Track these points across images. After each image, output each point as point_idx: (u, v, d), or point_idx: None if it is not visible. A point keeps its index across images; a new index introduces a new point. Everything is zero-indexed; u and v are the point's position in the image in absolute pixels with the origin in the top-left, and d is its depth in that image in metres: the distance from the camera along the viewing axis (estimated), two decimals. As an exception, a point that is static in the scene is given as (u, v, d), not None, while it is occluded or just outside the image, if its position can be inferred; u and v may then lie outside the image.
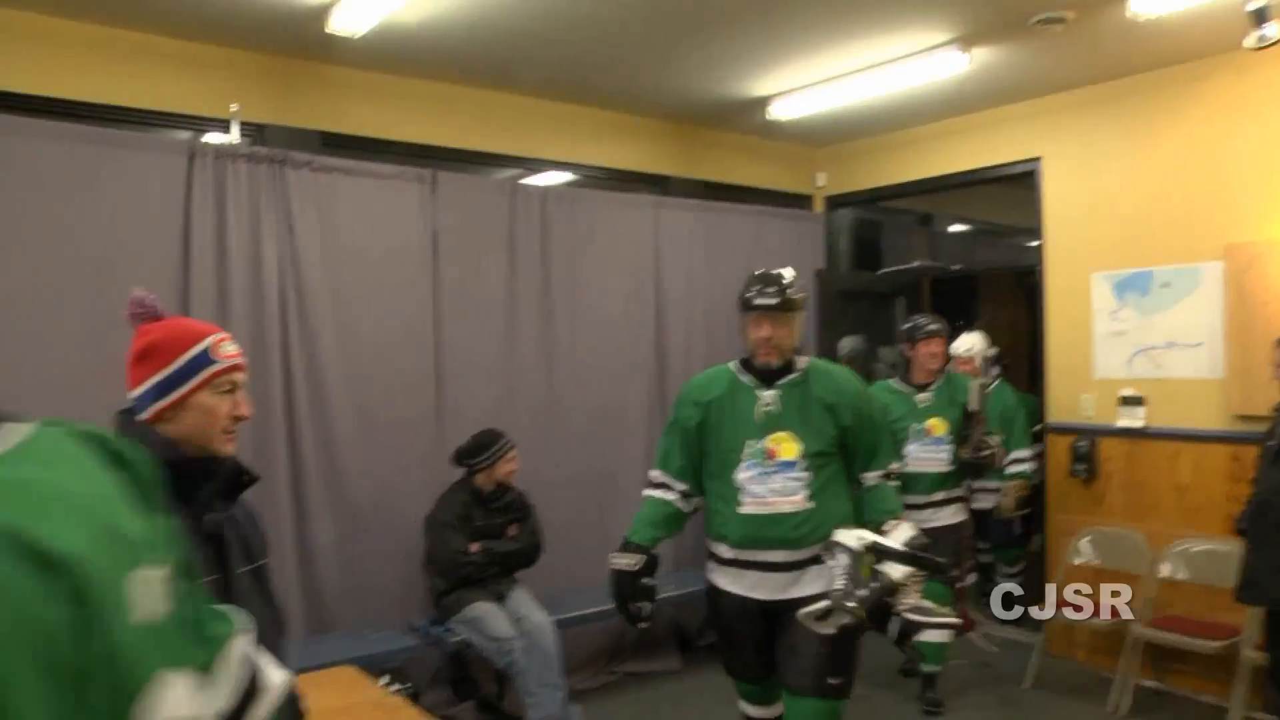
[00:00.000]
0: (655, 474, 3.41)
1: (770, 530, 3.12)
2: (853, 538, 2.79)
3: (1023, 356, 7.33)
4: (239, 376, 1.84)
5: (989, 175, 6.05)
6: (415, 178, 4.80)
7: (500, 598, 4.53)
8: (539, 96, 5.43)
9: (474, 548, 4.51)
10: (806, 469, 3.11)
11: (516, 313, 5.16)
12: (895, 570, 2.72)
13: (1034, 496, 5.94)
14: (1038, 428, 5.77)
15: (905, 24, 4.43)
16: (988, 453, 4.84)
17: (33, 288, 3.81)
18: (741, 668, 3.37)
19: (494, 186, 5.18)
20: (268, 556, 1.92)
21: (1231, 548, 4.51)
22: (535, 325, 5.23)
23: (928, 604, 2.70)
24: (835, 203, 6.87)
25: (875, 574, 2.71)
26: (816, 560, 3.04)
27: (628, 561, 3.19)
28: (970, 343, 5.92)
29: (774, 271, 3.28)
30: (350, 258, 4.60)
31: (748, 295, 3.22)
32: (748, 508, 3.13)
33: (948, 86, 5.25)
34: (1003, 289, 9.09)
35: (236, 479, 1.81)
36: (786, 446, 3.12)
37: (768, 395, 3.18)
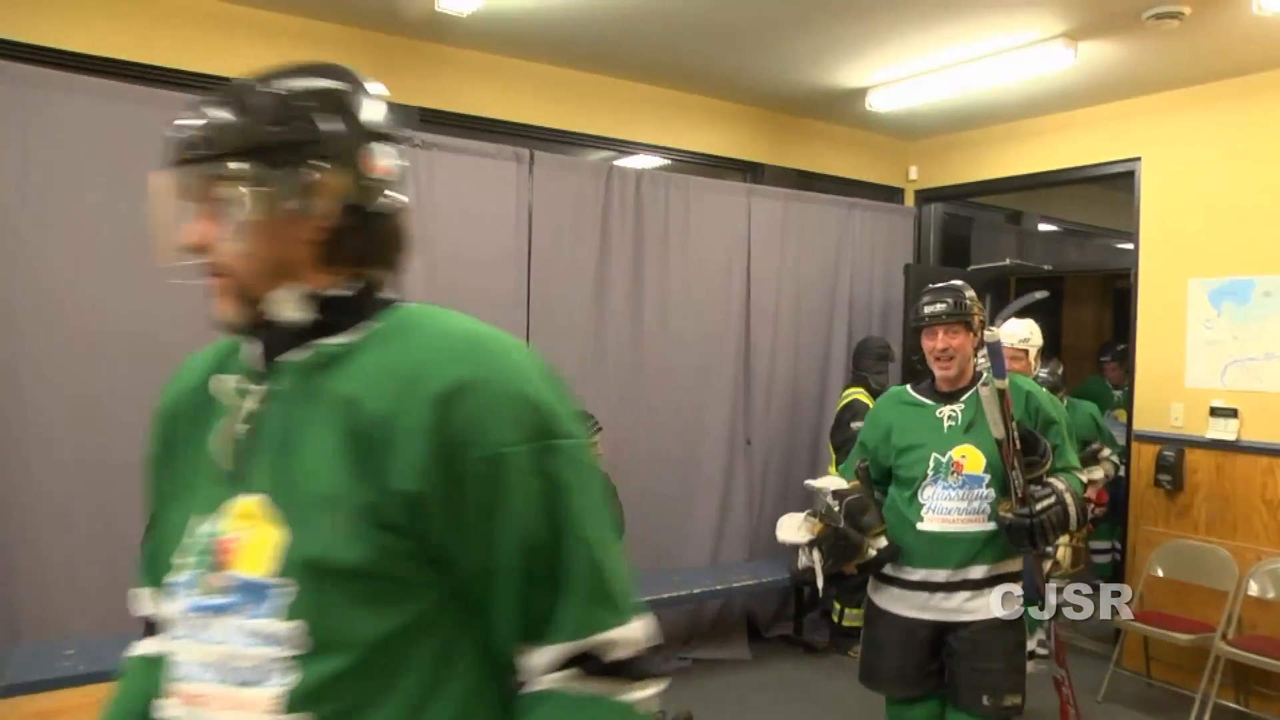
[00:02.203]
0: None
1: None
2: None
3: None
4: None
5: (1085, 174, 5.94)
6: (513, 156, 4.83)
7: (579, 578, 4.55)
8: (636, 80, 5.43)
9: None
10: (298, 610, 1.05)
11: (607, 294, 5.18)
12: None
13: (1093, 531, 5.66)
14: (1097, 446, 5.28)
15: (1013, 16, 4.34)
16: (1045, 504, 2.95)
17: (138, 250, 3.87)
18: None
19: (589, 168, 5.20)
20: None
21: (1326, 569, 4.42)
22: (625, 307, 5.25)
23: None
24: (926, 197, 6.79)
25: None
26: None
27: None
28: (1024, 330, 4.68)
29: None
30: (446, 234, 4.62)
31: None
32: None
33: (1049, 82, 5.14)
34: (1089, 291, 8.95)
35: None
36: (256, 539, 1.10)
37: (233, 385, 1.19)
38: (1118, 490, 5.83)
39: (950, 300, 3.16)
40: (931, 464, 3.10)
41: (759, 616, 5.70)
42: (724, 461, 5.62)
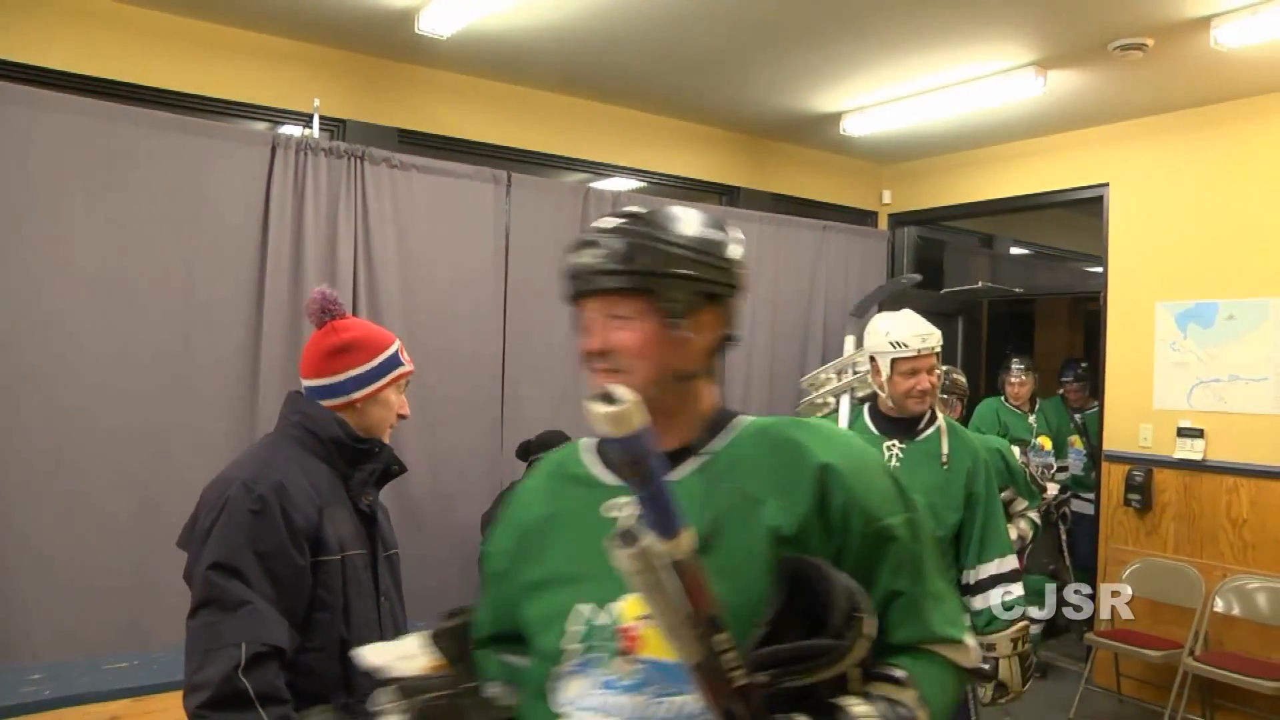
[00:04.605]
0: None
1: None
2: None
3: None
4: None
5: (1055, 200, 6.04)
6: (490, 178, 4.85)
7: (554, 599, 4.56)
8: (613, 103, 5.50)
9: (530, 547, 4.54)
10: None
11: (583, 316, 5.20)
12: None
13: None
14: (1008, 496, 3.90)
15: (984, 45, 4.44)
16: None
17: (119, 267, 3.90)
18: None
19: (567, 190, 5.24)
20: (397, 546, 2.04)
21: (1290, 586, 4.50)
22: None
23: None
24: (899, 220, 6.88)
25: None
26: None
27: None
28: (920, 325, 3.33)
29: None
30: (423, 255, 4.64)
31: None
32: None
33: (1019, 109, 5.25)
34: (1060, 314, 9.05)
35: (387, 468, 1.96)
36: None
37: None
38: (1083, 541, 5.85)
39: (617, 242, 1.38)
40: (581, 630, 1.33)
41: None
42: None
